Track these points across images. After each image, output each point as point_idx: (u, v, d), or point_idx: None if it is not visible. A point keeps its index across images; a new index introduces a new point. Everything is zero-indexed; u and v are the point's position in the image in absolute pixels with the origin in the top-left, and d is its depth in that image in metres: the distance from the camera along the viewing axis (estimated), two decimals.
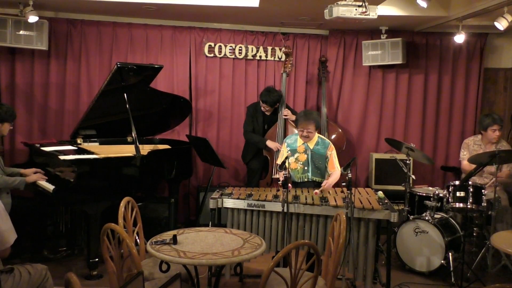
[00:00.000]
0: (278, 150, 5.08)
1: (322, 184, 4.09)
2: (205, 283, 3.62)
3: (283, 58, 5.63)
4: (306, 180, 4.22)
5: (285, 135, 5.19)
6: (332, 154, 4.22)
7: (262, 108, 5.26)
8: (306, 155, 4.19)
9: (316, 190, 3.95)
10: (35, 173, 4.22)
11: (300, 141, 4.23)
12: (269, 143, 5.14)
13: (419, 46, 5.98)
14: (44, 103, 5.57)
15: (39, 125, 5.58)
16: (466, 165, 4.87)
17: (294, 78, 5.98)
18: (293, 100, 5.91)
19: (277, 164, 4.48)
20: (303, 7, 4.72)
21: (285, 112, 5.28)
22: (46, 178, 4.22)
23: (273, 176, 5.20)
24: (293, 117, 5.29)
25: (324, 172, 4.26)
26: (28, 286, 2.81)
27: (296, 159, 4.21)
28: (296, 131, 4.34)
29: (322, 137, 4.33)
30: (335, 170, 4.21)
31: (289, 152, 4.25)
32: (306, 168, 4.20)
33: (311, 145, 4.20)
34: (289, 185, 4.02)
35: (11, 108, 4.36)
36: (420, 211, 4.76)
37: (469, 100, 6.08)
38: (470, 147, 5.04)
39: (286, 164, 3.54)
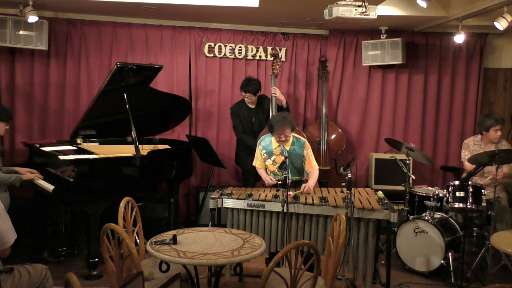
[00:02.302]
0: None
1: (302, 188, 3.98)
2: (205, 283, 3.63)
3: (280, 59, 5.61)
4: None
5: None
6: (308, 152, 4.15)
7: (246, 99, 5.25)
8: (282, 157, 4.14)
9: (290, 192, 3.83)
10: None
11: (275, 143, 4.15)
12: None
13: (419, 46, 5.98)
14: (44, 103, 5.57)
15: (39, 125, 5.58)
16: (469, 166, 4.86)
17: (293, 78, 5.98)
18: (293, 100, 5.91)
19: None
20: (303, 7, 4.73)
21: (274, 91, 5.28)
22: (42, 177, 4.26)
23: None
24: (282, 96, 5.33)
25: (303, 171, 4.20)
26: (28, 286, 2.81)
27: (274, 161, 4.14)
28: None
29: (297, 136, 4.22)
30: (313, 169, 4.14)
31: (265, 155, 4.19)
32: None
33: (287, 146, 4.12)
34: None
35: (7, 108, 4.38)
36: (420, 211, 4.76)
37: (469, 100, 6.08)
38: (470, 147, 5.04)
39: (286, 164, 3.54)
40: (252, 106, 5.32)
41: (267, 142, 4.22)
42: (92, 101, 4.67)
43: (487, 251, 4.47)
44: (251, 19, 5.53)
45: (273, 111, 5.23)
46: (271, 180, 4.11)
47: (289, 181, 4.07)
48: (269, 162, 4.17)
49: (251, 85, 5.18)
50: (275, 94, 5.27)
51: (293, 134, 4.18)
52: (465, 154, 5.06)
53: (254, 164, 4.35)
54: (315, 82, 6.03)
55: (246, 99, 5.26)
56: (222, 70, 5.89)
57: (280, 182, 3.72)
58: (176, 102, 5.19)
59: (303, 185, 4.01)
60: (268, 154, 4.18)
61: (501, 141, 4.95)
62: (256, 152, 4.32)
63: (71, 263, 4.54)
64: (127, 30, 5.67)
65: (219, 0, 4.78)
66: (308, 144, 4.19)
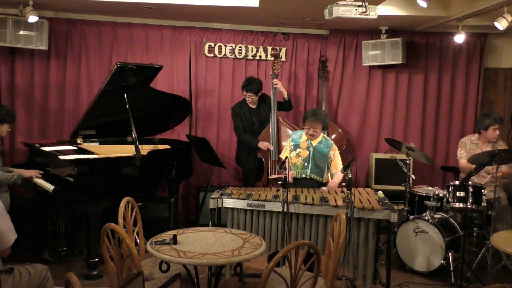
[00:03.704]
0: (269, 150, 5.11)
1: (329, 184, 4.18)
2: (205, 283, 3.63)
3: (279, 59, 5.61)
4: (304, 176, 4.24)
5: (278, 134, 5.20)
6: (335, 154, 4.27)
7: (247, 99, 5.27)
8: (308, 152, 4.23)
9: (324, 188, 4.00)
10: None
11: (304, 137, 4.28)
12: (260, 144, 5.17)
13: (419, 46, 5.98)
14: (44, 103, 5.57)
15: (39, 125, 5.58)
16: (464, 164, 4.88)
17: (294, 78, 5.98)
18: (294, 100, 5.90)
19: (280, 158, 4.55)
20: (303, 7, 4.72)
21: (275, 82, 5.30)
22: (41, 175, 4.29)
23: (269, 177, 5.20)
24: (283, 89, 5.36)
25: (323, 172, 4.26)
26: (28, 286, 2.81)
27: (298, 154, 4.25)
28: (289, 131, 4.39)
29: (326, 137, 4.37)
30: (337, 170, 4.24)
31: (292, 146, 4.30)
32: (306, 164, 4.23)
33: (315, 142, 4.24)
34: (292, 172, 4.12)
35: (11, 110, 4.42)
36: (420, 211, 4.76)
37: (469, 100, 6.08)
38: (467, 146, 5.05)
39: (286, 164, 3.55)
40: (253, 106, 5.33)
41: (297, 135, 4.37)
42: (92, 101, 4.67)
43: (487, 251, 4.47)
44: (251, 19, 5.53)
45: (274, 110, 5.23)
46: (269, 145, 4.43)
47: (306, 176, 4.24)
48: (293, 154, 4.28)
49: (252, 84, 5.19)
50: (277, 85, 5.28)
51: (323, 135, 4.32)
52: (461, 153, 5.06)
53: (281, 156, 4.50)
54: (315, 82, 6.03)
55: (247, 99, 5.26)
56: (222, 70, 5.88)
57: (281, 181, 3.71)
58: (176, 102, 5.19)
59: (330, 181, 4.22)
60: (295, 146, 4.30)
61: (498, 141, 4.96)
62: (285, 145, 4.47)
63: (71, 263, 4.54)
64: (127, 30, 5.67)
65: (219, 0, 4.78)
66: (336, 147, 4.30)
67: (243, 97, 5.32)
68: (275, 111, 5.24)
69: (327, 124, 4.26)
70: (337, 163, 4.26)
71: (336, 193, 4.11)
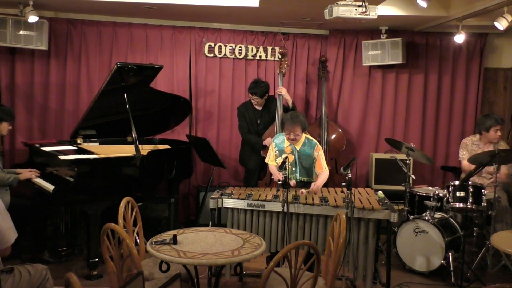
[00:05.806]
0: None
1: (311, 186, 4.01)
2: (205, 283, 3.63)
3: (286, 57, 5.61)
4: (294, 180, 4.20)
5: None
6: (320, 154, 4.17)
7: (252, 101, 5.27)
8: (293, 156, 4.17)
9: (303, 190, 3.91)
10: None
11: (287, 142, 4.21)
12: (265, 142, 5.18)
13: (419, 46, 5.98)
14: (44, 103, 5.57)
15: (39, 125, 5.58)
16: (466, 165, 4.87)
17: (294, 78, 5.98)
18: (294, 100, 5.90)
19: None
20: (303, 7, 4.73)
21: (280, 90, 5.30)
22: (39, 174, 4.31)
23: (272, 176, 5.20)
24: (288, 96, 5.35)
25: (312, 172, 4.22)
26: (28, 286, 2.81)
27: None
28: None
29: (309, 137, 4.27)
30: (323, 171, 4.16)
31: (277, 152, 4.24)
32: (294, 168, 4.19)
33: (298, 146, 4.17)
34: (293, 181, 4.04)
35: (10, 109, 4.43)
36: (420, 211, 4.76)
37: (469, 100, 6.08)
38: (469, 147, 5.05)
39: (286, 164, 3.55)
40: (259, 108, 5.33)
41: (280, 140, 4.28)
42: (92, 101, 4.68)
43: (487, 251, 4.47)
44: (251, 19, 5.53)
45: (279, 113, 5.24)
46: (281, 176, 4.10)
47: (295, 181, 4.15)
48: (279, 160, 4.19)
49: (258, 87, 5.18)
50: (281, 92, 5.28)
51: (306, 135, 4.23)
52: (463, 154, 5.06)
53: (266, 161, 4.42)
54: (315, 82, 6.03)
55: (252, 101, 5.27)
56: (222, 70, 5.89)
57: (280, 182, 3.74)
58: (176, 102, 5.19)
59: (312, 183, 4.04)
60: (279, 152, 4.23)
61: (499, 142, 4.96)
62: (269, 149, 4.37)
63: (71, 263, 4.55)
64: (127, 30, 5.67)
65: (219, 0, 4.78)
66: (319, 146, 4.22)
67: (249, 98, 5.32)
68: (281, 110, 5.23)
69: (306, 126, 4.16)
70: (322, 163, 4.16)
71: (336, 193, 4.11)
